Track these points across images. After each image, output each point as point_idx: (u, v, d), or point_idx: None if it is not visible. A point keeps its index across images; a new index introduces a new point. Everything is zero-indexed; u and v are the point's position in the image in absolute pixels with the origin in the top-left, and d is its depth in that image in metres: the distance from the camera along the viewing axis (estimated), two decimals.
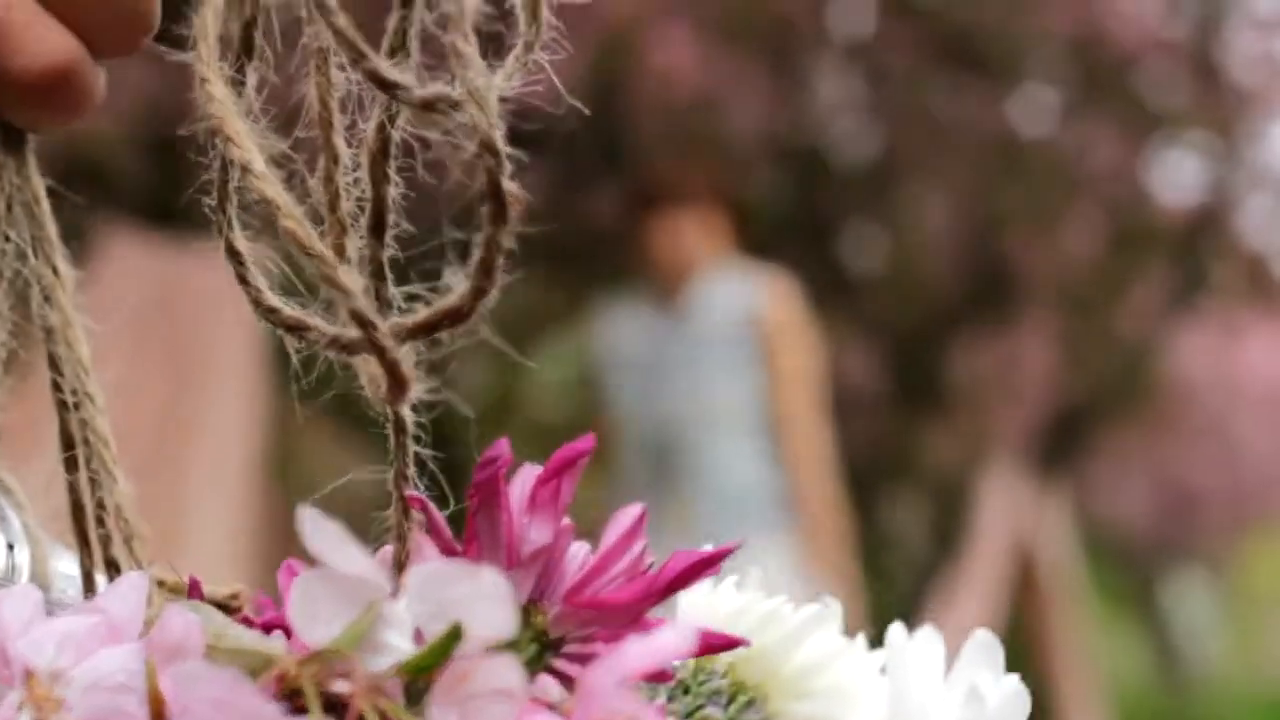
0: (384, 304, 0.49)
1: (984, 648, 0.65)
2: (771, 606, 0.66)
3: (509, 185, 0.46)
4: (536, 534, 0.45)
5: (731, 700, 0.63)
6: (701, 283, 3.50)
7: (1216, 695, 18.35)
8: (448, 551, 0.45)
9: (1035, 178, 6.57)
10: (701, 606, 0.66)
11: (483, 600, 0.38)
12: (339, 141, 0.49)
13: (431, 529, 0.47)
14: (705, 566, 0.46)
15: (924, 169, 6.62)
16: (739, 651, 0.64)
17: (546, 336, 7.43)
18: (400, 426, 0.49)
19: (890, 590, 7.47)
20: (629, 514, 0.47)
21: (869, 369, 7.98)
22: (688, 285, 3.48)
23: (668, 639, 0.39)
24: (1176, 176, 7.69)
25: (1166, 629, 15.90)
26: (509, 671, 0.38)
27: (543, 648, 0.46)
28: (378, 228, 0.49)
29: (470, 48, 0.45)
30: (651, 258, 3.52)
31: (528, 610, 0.46)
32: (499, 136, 0.46)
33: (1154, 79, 7.02)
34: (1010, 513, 7.27)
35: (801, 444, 3.53)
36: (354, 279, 0.46)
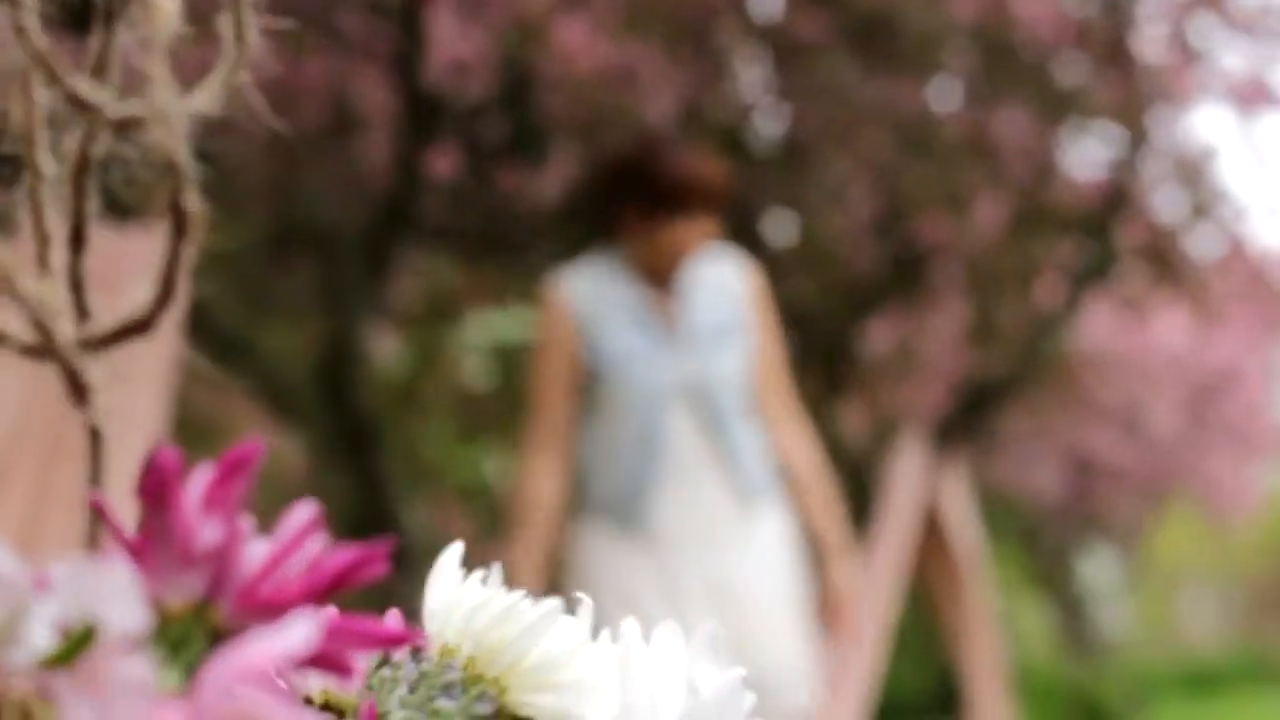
0: (83, 313, 0.50)
1: (707, 643, 0.66)
2: (510, 601, 0.67)
3: (190, 201, 0.47)
4: (210, 534, 0.47)
5: (465, 691, 0.64)
6: (695, 266, 3.64)
7: (1125, 663, 18.52)
8: (128, 552, 0.47)
9: (946, 157, 6.62)
10: (446, 600, 0.67)
11: (117, 597, 0.40)
12: (42, 158, 0.50)
13: (110, 530, 0.48)
14: (364, 564, 0.47)
15: (837, 149, 6.65)
16: (481, 643, 0.65)
17: (467, 311, 7.44)
18: (94, 435, 0.50)
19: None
20: (302, 512, 0.48)
21: (785, 344, 8.02)
22: (681, 269, 3.62)
23: (286, 638, 0.41)
24: (1086, 156, 7.75)
25: (1077, 599, 16.04)
26: (141, 667, 0.40)
27: (218, 643, 0.47)
28: (77, 240, 0.50)
29: (163, 69, 0.47)
30: (653, 247, 3.60)
31: (202, 607, 0.47)
32: (183, 155, 0.47)
33: (1064, 61, 7.07)
34: (919, 485, 7.33)
35: (795, 423, 3.80)
36: (50, 289, 0.47)
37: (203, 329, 5.58)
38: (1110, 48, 7.32)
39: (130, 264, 3.82)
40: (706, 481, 3.55)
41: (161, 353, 4.40)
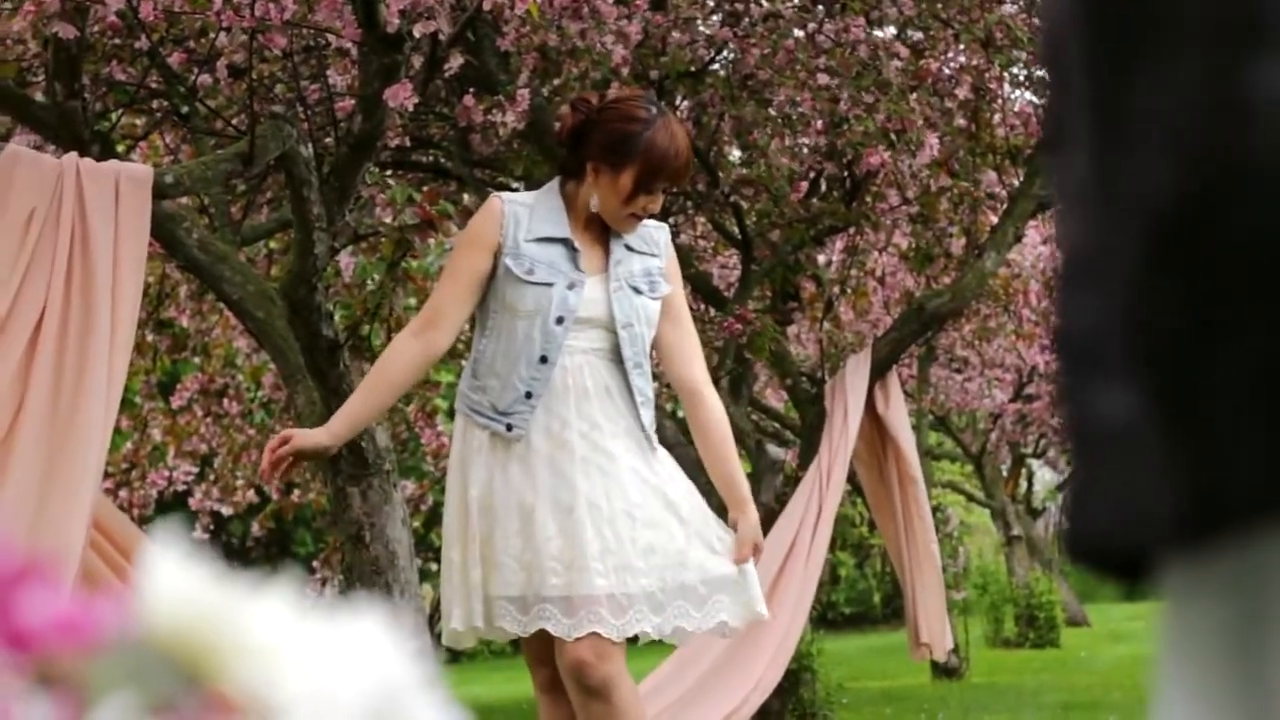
0: None
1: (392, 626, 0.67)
2: (216, 589, 0.67)
3: None
4: None
5: (171, 672, 0.65)
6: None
7: (1069, 570, 18.69)
8: None
9: (890, 90, 6.65)
10: (163, 585, 0.68)
11: None
12: None
13: None
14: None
15: (786, 83, 6.67)
16: (191, 627, 0.66)
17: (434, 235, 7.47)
18: None
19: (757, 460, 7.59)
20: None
21: (739, 272, 8.09)
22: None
23: None
24: (1024, 90, 7.79)
25: (1024, 511, 16.15)
26: None
27: None
28: None
29: None
30: (619, 206, 3.68)
31: None
32: None
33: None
34: (865, 402, 7.39)
35: (708, 377, 4.00)
36: None
37: (176, 249, 5.63)
38: None
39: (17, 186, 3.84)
40: (603, 413, 3.65)
41: (130, 276, 4.45)
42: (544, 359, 3.62)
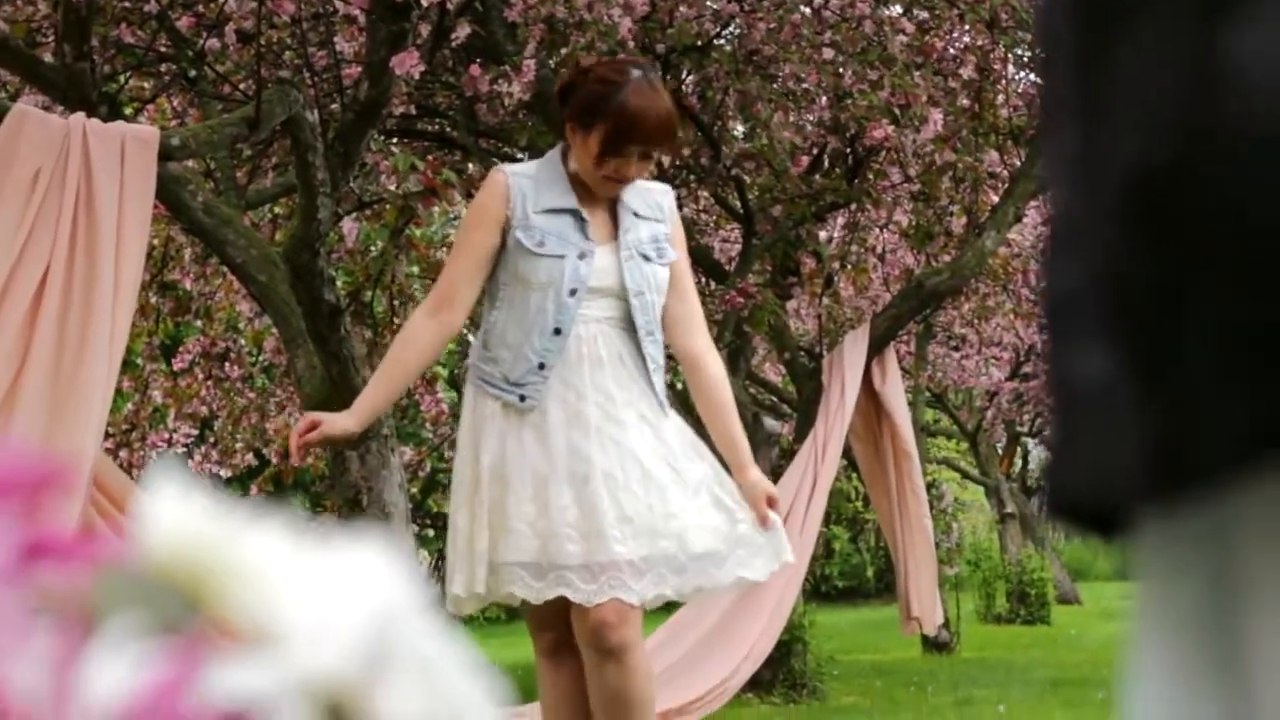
0: None
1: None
2: (213, 517, 0.67)
3: None
4: None
5: (169, 599, 0.65)
6: (631, 187, 3.72)
7: (1062, 548, 18.73)
8: None
9: (894, 66, 6.65)
10: (162, 512, 0.68)
11: None
12: None
13: None
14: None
15: (792, 58, 6.67)
16: (190, 556, 0.66)
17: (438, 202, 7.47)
18: None
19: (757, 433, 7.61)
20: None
21: (740, 246, 8.10)
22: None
23: None
24: (1028, 72, 7.79)
25: (1019, 489, 16.15)
26: None
27: None
28: None
29: None
30: (599, 170, 3.65)
31: None
32: None
33: None
34: (861, 377, 7.40)
35: (709, 338, 4.01)
36: None
37: (181, 212, 5.64)
38: None
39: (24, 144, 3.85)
40: (616, 381, 3.65)
41: (135, 236, 4.46)
42: (558, 330, 3.62)
